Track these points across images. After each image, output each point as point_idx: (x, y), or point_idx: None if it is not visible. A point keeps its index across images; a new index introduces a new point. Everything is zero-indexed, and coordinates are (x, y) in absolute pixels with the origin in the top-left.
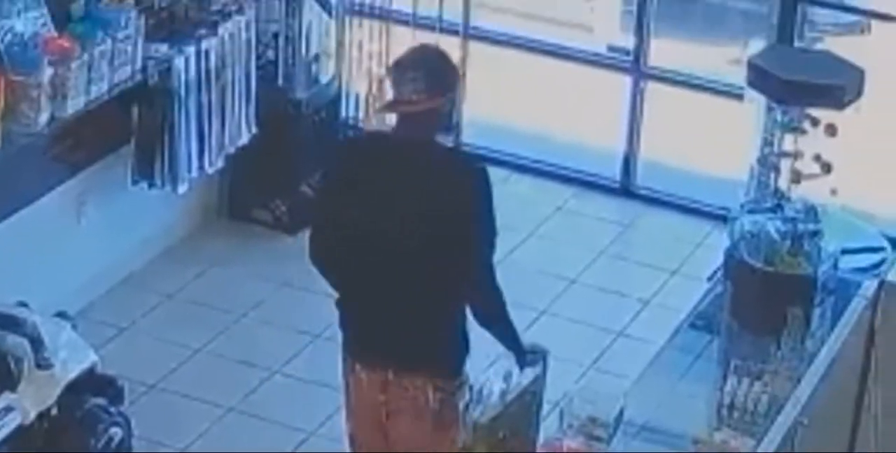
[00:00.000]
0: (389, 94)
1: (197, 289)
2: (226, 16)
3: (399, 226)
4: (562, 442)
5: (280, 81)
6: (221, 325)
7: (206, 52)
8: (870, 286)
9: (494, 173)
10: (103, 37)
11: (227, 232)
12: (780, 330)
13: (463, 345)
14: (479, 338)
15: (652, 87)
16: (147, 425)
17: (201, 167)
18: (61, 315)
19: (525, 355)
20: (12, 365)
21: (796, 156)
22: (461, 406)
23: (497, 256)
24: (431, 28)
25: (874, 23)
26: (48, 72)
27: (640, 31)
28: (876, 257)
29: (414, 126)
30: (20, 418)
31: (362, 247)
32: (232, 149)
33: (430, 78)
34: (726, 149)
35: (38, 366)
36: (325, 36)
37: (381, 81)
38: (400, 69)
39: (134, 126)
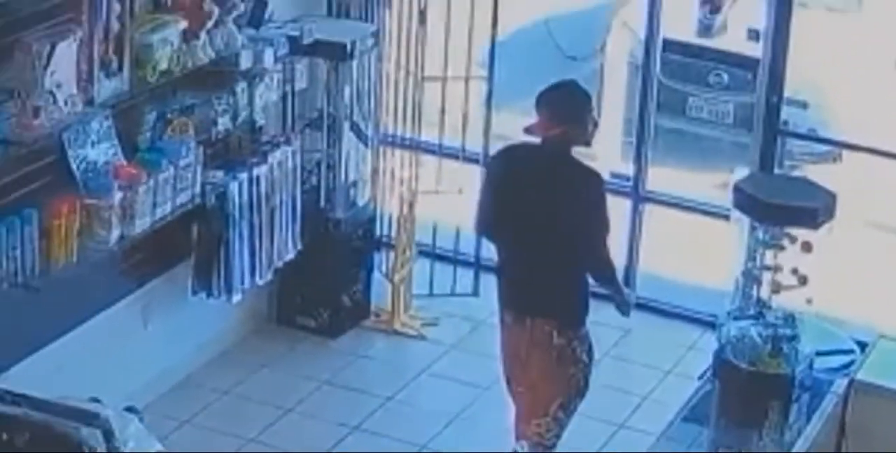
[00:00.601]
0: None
1: (248, 387)
2: (274, 146)
3: (540, 213)
4: None
5: (322, 204)
6: (270, 419)
7: (257, 178)
8: (841, 384)
9: None
10: (167, 164)
11: (276, 336)
12: (762, 422)
13: (585, 303)
14: None
15: (649, 209)
16: None
17: (253, 279)
18: (130, 409)
19: (626, 304)
20: None
21: (776, 269)
22: (581, 350)
23: None
24: (455, 157)
25: (845, 152)
26: (118, 195)
27: (639, 159)
28: (846, 358)
29: (553, 142)
30: None
31: (514, 226)
32: (280, 264)
33: (560, 110)
34: (714, 263)
35: None
36: (361, 164)
37: (410, 204)
38: (540, 101)
39: (193, 243)
